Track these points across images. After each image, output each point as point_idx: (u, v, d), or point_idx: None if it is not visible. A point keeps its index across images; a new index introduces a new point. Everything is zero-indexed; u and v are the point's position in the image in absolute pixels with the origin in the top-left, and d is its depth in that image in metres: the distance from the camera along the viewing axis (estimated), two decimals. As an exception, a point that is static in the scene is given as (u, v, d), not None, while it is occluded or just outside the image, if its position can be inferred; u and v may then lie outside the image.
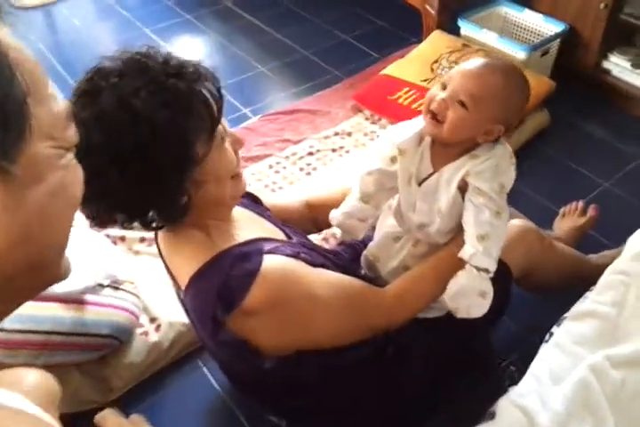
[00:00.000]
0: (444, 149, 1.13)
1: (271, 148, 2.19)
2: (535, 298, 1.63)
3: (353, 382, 1.20)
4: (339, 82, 2.57)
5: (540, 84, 2.20)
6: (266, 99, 2.58)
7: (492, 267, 1.10)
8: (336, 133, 2.25)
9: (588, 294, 1.30)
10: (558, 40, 2.36)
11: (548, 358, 1.19)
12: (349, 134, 2.24)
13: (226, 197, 1.06)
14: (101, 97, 0.89)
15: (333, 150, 2.18)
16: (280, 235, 1.21)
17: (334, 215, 1.24)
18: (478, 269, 1.10)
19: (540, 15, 2.41)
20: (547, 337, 1.25)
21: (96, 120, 0.88)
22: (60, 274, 0.48)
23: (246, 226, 1.14)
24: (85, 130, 0.84)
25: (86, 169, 0.86)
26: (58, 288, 1.35)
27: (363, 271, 1.35)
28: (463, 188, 1.11)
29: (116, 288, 1.50)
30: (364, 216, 1.22)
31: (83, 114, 0.88)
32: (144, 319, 1.59)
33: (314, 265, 1.10)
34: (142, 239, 1.79)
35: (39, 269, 0.45)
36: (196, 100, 0.93)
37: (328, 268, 1.14)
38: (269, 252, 1.04)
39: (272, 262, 1.02)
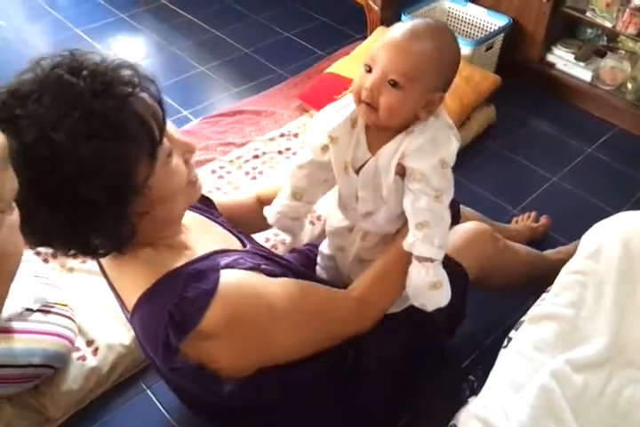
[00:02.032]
0: (379, 131, 1.04)
1: (214, 152, 2.10)
2: (490, 296, 1.60)
3: (315, 393, 1.14)
4: (282, 81, 2.50)
5: (485, 79, 2.18)
6: (207, 100, 2.49)
7: (437, 255, 1.03)
8: (282, 135, 2.17)
9: (544, 295, 1.28)
10: (502, 34, 2.35)
11: (507, 365, 1.16)
12: (296, 135, 2.17)
13: (178, 213, 0.98)
14: (19, 128, 0.77)
15: (280, 152, 2.10)
16: (234, 242, 1.13)
17: (268, 214, 1.18)
18: (420, 259, 1.04)
19: (484, 9, 2.39)
20: (505, 342, 1.22)
21: (16, 154, 0.77)
22: None
23: (199, 236, 1.05)
24: None
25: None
26: (-21, 317, 1.25)
27: (318, 275, 1.31)
28: (402, 172, 1.04)
29: (47, 312, 1.39)
30: (296, 214, 1.16)
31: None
32: (80, 343, 1.48)
33: (275, 276, 1.03)
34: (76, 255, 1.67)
35: None
36: (130, 121, 0.81)
37: (288, 276, 1.07)
38: (227, 266, 0.96)
39: (229, 279, 0.94)
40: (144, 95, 0.84)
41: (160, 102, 0.86)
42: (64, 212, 0.80)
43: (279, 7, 3.05)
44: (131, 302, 0.96)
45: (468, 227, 1.37)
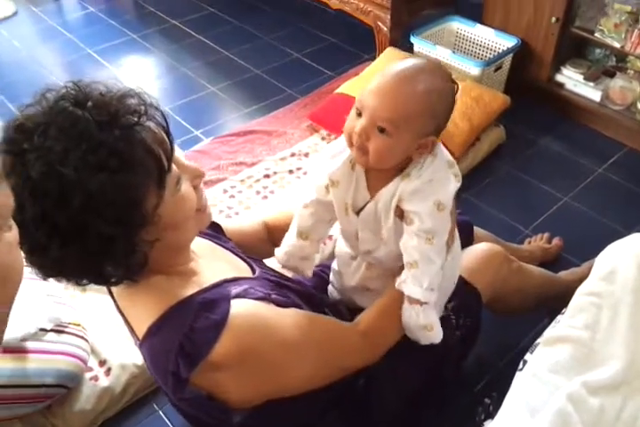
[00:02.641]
0: (379, 173, 1.04)
1: (225, 171, 2.11)
2: (502, 318, 1.59)
3: (325, 421, 1.14)
4: (292, 101, 2.52)
5: (495, 99, 2.19)
6: (217, 120, 2.51)
7: (426, 298, 1.04)
8: (292, 154, 2.19)
9: (559, 317, 1.27)
10: (511, 55, 2.36)
11: (523, 388, 1.14)
12: (306, 155, 2.18)
13: (187, 239, 0.97)
14: (26, 163, 0.77)
15: (290, 172, 2.12)
16: (244, 268, 1.13)
17: (277, 255, 1.17)
18: (411, 300, 1.05)
19: (492, 30, 2.41)
20: (520, 365, 1.20)
21: (24, 189, 0.76)
22: None
23: (209, 263, 1.05)
24: (17, 200, 0.75)
25: (26, 245, 0.76)
26: (-6, 337, 1.24)
27: (329, 293, 1.31)
28: (401, 214, 1.04)
29: (60, 332, 1.39)
30: (305, 254, 1.15)
31: (10, 179, 0.76)
32: (93, 363, 1.48)
33: (285, 305, 1.02)
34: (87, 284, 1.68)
35: None
36: (137, 151, 0.80)
37: (298, 305, 1.07)
38: (237, 296, 0.95)
39: (240, 310, 0.92)
40: (150, 124, 0.83)
41: (166, 130, 0.86)
42: (75, 246, 0.79)
43: (289, 28, 3.09)
44: (141, 331, 0.95)
45: (481, 248, 1.37)
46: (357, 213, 1.08)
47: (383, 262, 1.15)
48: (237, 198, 2.00)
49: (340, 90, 2.33)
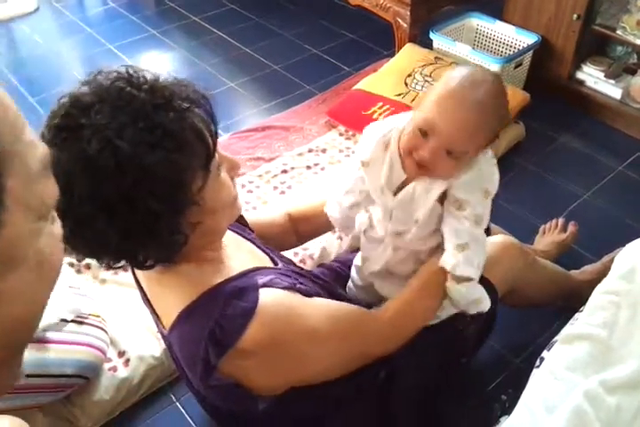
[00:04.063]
0: None
1: (243, 166, 2.11)
2: (517, 316, 1.59)
3: (348, 411, 1.15)
4: (310, 97, 2.52)
5: (514, 96, 2.17)
6: (236, 115, 2.52)
7: (476, 275, 1.07)
8: (310, 150, 2.19)
9: (577, 315, 1.27)
10: (531, 52, 2.34)
11: (540, 385, 1.14)
12: (324, 151, 2.18)
13: (223, 226, 0.99)
14: (82, 137, 0.77)
15: (308, 167, 2.12)
16: (266, 260, 1.14)
17: (327, 208, 1.22)
18: (460, 280, 1.06)
19: (512, 27, 2.39)
20: (537, 362, 1.20)
21: (77, 165, 0.77)
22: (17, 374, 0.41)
23: (236, 253, 1.06)
24: (66, 175, 0.75)
25: (67, 215, 0.77)
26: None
27: (348, 290, 1.32)
28: (442, 197, 1.07)
29: (81, 323, 1.40)
30: (352, 205, 1.18)
31: (61, 156, 0.77)
32: (112, 354, 1.50)
33: (309, 295, 1.03)
34: (122, 267, 1.69)
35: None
36: (189, 134, 0.82)
37: (321, 295, 1.08)
38: (265, 285, 0.96)
39: (269, 298, 0.94)
40: (200, 111, 0.85)
41: (213, 118, 0.88)
42: (122, 221, 0.80)
43: (308, 24, 3.09)
44: (169, 318, 0.96)
45: (496, 241, 1.36)
46: (395, 193, 1.09)
47: (410, 245, 1.15)
48: (255, 193, 2.01)
49: (359, 86, 2.33)
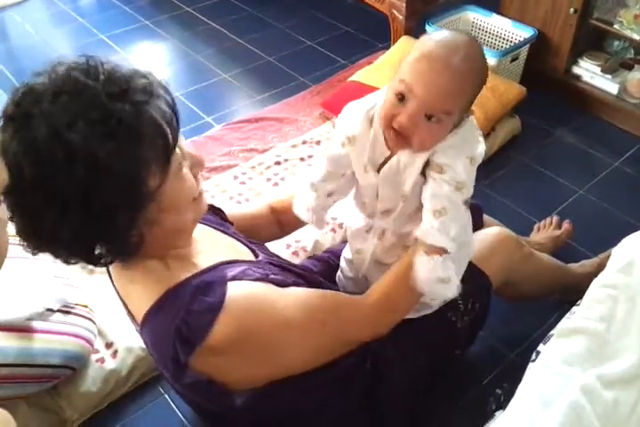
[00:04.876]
0: None
1: (236, 158, 2.09)
2: (511, 309, 1.57)
3: (331, 402, 1.12)
4: (304, 89, 2.50)
5: (510, 90, 2.16)
6: (229, 106, 2.49)
7: (450, 247, 0.99)
8: (304, 142, 2.16)
9: (574, 308, 1.25)
10: (527, 45, 2.33)
11: (536, 379, 1.13)
12: (318, 143, 2.16)
13: (187, 223, 0.96)
14: (31, 126, 0.76)
15: (302, 159, 2.09)
16: (245, 252, 1.11)
17: (294, 204, 1.14)
18: (430, 251, 0.99)
19: (509, 20, 2.38)
20: (533, 356, 1.19)
21: (26, 153, 0.75)
22: None
23: (208, 247, 1.03)
24: (15, 162, 0.74)
25: (19, 207, 0.75)
26: (0, 316, 1.23)
27: (337, 281, 1.30)
28: (425, 170, 1.01)
29: (68, 313, 1.38)
30: (310, 205, 1.12)
31: (11, 144, 0.76)
32: (99, 345, 1.47)
33: (285, 285, 1.01)
34: (75, 263, 1.66)
35: None
36: (145, 126, 0.80)
37: (300, 285, 1.05)
38: (234, 278, 0.93)
39: (237, 292, 0.91)
40: (159, 102, 0.83)
41: (174, 110, 0.85)
42: (75, 215, 0.78)
43: (302, 16, 3.06)
44: (139, 316, 0.95)
45: (491, 232, 1.35)
46: (378, 170, 1.05)
47: (399, 224, 1.11)
48: (248, 185, 1.98)
49: (354, 78, 2.31)
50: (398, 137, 0.97)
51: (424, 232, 0.99)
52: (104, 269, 1.62)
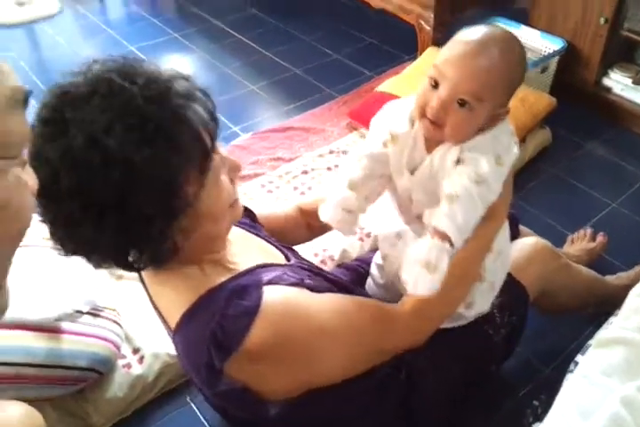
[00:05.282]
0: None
1: (263, 166, 2.09)
2: (544, 322, 1.54)
3: (371, 409, 1.09)
4: (330, 100, 2.50)
5: (540, 100, 2.14)
6: (256, 117, 2.50)
7: (453, 233, 0.93)
8: (331, 151, 2.16)
9: (612, 319, 1.21)
10: (557, 57, 2.31)
11: (574, 390, 1.09)
12: (345, 152, 2.15)
13: (222, 232, 0.94)
14: (68, 131, 0.74)
15: (328, 169, 2.09)
16: (278, 256, 1.10)
17: (322, 209, 1.07)
18: (433, 233, 0.94)
19: (538, 31, 2.36)
20: (571, 367, 1.15)
21: (62, 159, 0.74)
22: None
23: (242, 250, 1.01)
24: (51, 169, 0.73)
25: (55, 213, 0.74)
26: (30, 315, 1.22)
27: (367, 289, 1.28)
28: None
29: (96, 315, 1.37)
30: (349, 207, 1.05)
31: (47, 149, 0.74)
32: (126, 350, 1.46)
33: (320, 291, 0.98)
34: (109, 268, 1.66)
35: None
36: (183, 132, 0.77)
37: (332, 291, 1.03)
38: (269, 282, 0.91)
39: (273, 296, 0.89)
40: (198, 108, 0.80)
41: (213, 116, 0.83)
42: (111, 221, 0.76)
43: (328, 29, 3.08)
44: (173, 321, 0.92)
45: (528, 242, 1.33)
46: (412, 173, 1.02)
47: None
48: (275, 194, 1.98)
49: (381, 88, 2.30)
50: (432, 125, 0.95)
51: (432, 213, 0.97)
52: (132, 274, 1.63)
